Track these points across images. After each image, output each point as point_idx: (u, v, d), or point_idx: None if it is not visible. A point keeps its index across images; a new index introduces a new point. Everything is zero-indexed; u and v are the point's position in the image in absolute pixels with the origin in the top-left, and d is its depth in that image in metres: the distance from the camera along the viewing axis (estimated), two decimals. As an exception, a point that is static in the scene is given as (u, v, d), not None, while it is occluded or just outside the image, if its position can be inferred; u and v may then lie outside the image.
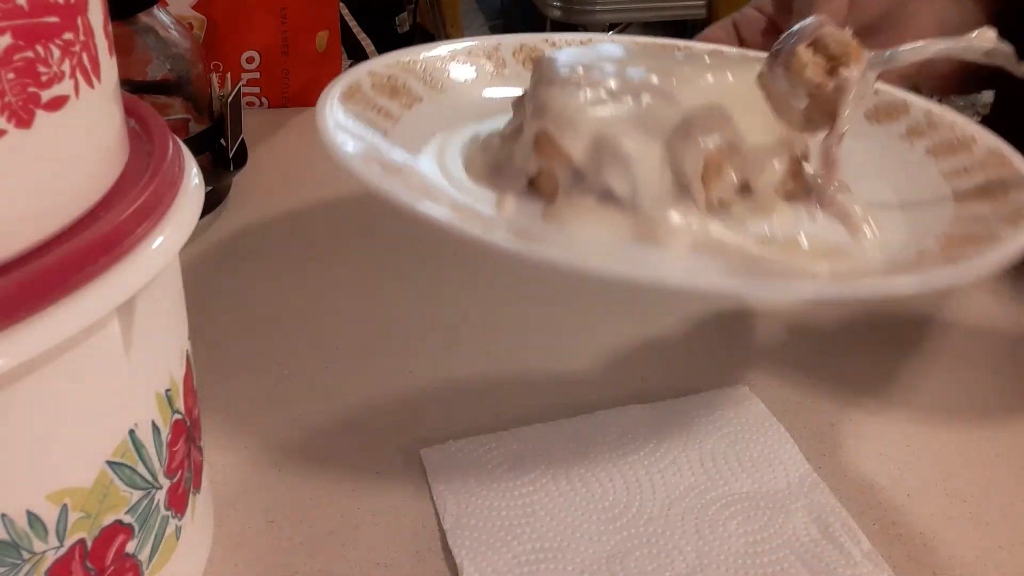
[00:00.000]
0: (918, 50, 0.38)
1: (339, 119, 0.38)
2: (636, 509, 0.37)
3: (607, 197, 0.37)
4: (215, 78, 0.60)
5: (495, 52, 0.50)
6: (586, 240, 0.36)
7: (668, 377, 0.46)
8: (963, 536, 0.37)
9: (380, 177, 0.34)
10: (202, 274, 0.52)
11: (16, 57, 0.21)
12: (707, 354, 0.48)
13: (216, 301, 0.50)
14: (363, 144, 0.38)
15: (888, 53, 0.37)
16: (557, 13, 2.07)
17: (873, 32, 0.54)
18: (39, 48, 0.21)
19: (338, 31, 0.79)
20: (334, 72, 0.77)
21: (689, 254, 0.35)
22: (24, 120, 0.21)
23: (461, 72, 0.48)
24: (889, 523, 0.38)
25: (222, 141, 0.60)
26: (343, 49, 0.83)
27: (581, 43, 0.51)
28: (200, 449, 0.33)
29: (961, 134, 0.43)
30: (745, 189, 0.39)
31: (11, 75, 0.21)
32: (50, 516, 0.24)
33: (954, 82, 0.59)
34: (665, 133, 0.37)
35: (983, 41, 0.38)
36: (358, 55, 0.89)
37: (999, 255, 0.31)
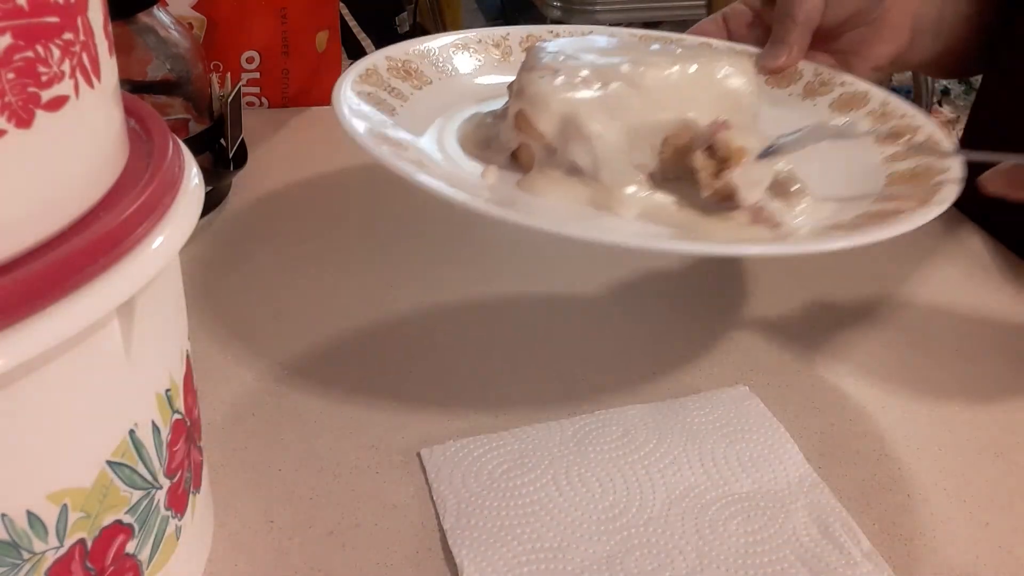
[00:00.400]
0: (798, 142, 0.43)
1: (351, 98, 0.43)
2: (636, 509, 0.37)
3: (574, 170, 0.42)
4: (215, 78, 0.60)
5: (503, 41, 0.55)
6: (551, 206, 0.41)
7: (668, 377, 0.46)
8: (963, 536, 0.37)
9: (381, 148, 0.38)
10: (202, 274, 0.52)
11: (16, 57, 0.21)
12: (707, 354, 0.48)
13: (216, 301, 0.50)
14: (370, 121, 0.42)
15: (771, 147, 0.42)
16: (557, 14, 2.07)
17: (849, 27, 0.54)
18: (39, 48, 0.21)
19: (338, 31, 0.79)
20: (334, 72, 0.77)
21: (637, 220, 0.41)
22: (24, 120, 0.21)
23: (469, 59, 0.53)
24: (889, 523, 0.38)
25: (222, 141, 0.60)
26: (343, 49, 0.83)
27: (582, 35, 0.56)
28: (200, 449, 0.33)
29: (909, 122, 0.48)
30: None
31: (11, 75, 0.21)
32: (50, 516, 0.24)
33: (937, 68, 0.61)
34: (627, 115, 0.42)
35: (856, 128, 0.46)
36: (358, 55, 0.89)
37: (894, 229, 0.36)
